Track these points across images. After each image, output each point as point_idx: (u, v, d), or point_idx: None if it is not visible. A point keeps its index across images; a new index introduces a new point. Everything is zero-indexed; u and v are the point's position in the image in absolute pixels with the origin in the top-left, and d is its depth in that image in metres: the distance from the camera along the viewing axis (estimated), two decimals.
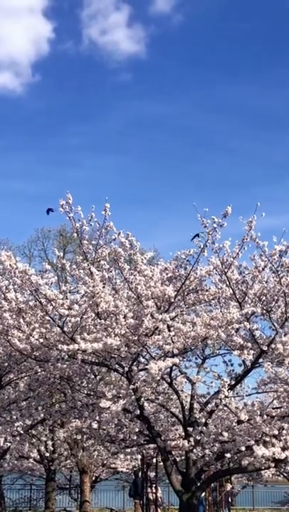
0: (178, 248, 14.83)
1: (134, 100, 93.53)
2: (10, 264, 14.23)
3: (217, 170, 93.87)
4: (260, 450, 13.30)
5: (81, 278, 14.31)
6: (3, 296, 14.71)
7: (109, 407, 13.38)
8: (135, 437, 16.36)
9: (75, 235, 14.88)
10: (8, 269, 14.55)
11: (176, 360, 13.67)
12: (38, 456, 22.16)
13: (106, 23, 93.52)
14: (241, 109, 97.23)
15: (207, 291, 15.26)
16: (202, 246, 13.90)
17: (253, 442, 13.72)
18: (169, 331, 13.87)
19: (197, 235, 13.92)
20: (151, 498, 21.33)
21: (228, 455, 14.40)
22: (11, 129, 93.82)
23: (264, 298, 14.36)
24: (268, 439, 13.87)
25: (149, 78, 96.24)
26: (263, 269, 14.24)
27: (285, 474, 28.25)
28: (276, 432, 13.95)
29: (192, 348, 14.76)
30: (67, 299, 14.31)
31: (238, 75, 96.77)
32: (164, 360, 13.48)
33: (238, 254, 14.22)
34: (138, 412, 15.00)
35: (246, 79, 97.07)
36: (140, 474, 22.68)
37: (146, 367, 13.63)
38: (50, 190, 79.18)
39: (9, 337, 14.55)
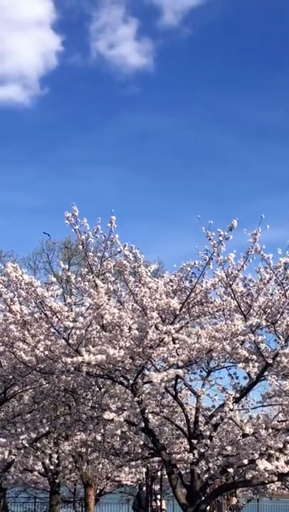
0: (182, 260, 14.86)
1: (138, 113, 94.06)
2: (16, 276, 14.27)
3: (219, 182, 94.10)
4: (262, 464, 13.25)
5: (86, 290, 14.33)
6: (8, 308, 14.74)
7: (112, 419, 13.37)
8: (140, 450, 16.32)
9: (81, 247, 14.93)
10: (13, 281, 14.60)
11: (179, 371, 13.64)
12: (43, 469, 22.09)
13: (114, 36, 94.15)
14: (243, 122, 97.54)
15: (212, 303, 15.27)
16: (208, 259, 13.92)
17: (256, 456, 13.67)
18: (174, 343, 13.87)
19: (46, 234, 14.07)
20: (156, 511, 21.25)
21: (230, 470, 14.36)
22: (17, 142, 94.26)
23: (269, 310, 14.34)
24: (272, 451, 13.82)
25: (156, 91, 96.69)
26: (268, 282, 14.22)
27: None
28: (281, 446, 13.90)
29: (197, 360, 14.73)
30: (72, 311, 14.33)
31: (241, 88, 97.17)
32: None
33: (242, 266, 14.22)
34: (143, 424, 14.97)
35: (248, 92, 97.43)
36: (144, 487, 22.59)
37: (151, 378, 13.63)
38: (54, 202, 79.32)
39: (14, 349, 14.57)
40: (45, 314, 14.05)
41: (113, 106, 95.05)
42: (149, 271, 14.50)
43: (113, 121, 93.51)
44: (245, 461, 13.83)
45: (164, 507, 25.95)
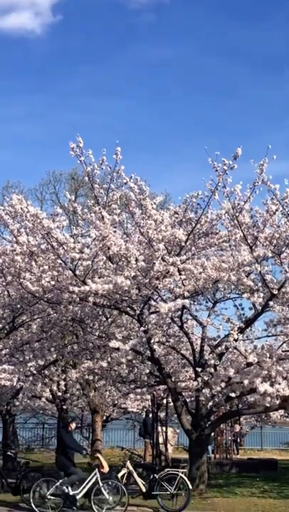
0: (190, 192, 14.80)
1: (150, 43, 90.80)
2: (21, 208, 14.28)
3: (228, 115, 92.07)
4: (262, 386, 13.53)
5: (92, 222, 14.36)
6: (15, 239, 14.81)
7: (118, 348, 13.60)
8: (146, 378, 16.66)
9: (86, 178, 14.87)
10: (19, 213, 14.63)
11: (186, 301, 13.79)
12: (51, 396, 22.57)
13: None
14: (254, 54, 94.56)
15: (217, 234, 15.28)
16: (213, 189, 13.87)
17: (259, 381, 13.89)
18: (180, 274, 13.97)
19: None
20: (162, 437, 21.78)
21: (232, 394, 14.65)
22: (27, 71, 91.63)
23: (275, 242, 14.33)
24: (278, 378, 14.07)
25: (170, 21, 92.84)
26: (275, 213, 14.18)
27: None
28: (285, 374, 14.15)
29: (203, 290, 14.86)
30: (78, 242, 14.39)
31: (256, 18, 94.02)
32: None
33: (249, 198, 14.16)
34: (149, 353, 15.22)
35: (257, 22, 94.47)
36: (150, 414, 23.12)
37: (158, 310, 13.80)
38: (62, 133, 78.26)
39: (21, 279, 14.71)
40: (52, 245, 14.12)
41: (126, 35, 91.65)
42: (155, 203, 14.48)
43: (124, 51, 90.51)
44: (248, 386, 14.09)
45: (171, 433, 26.69)
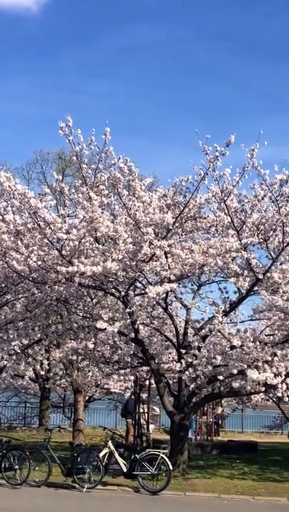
0: (178, 175, 14.77)
1: (146, 23, 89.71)
2: (9, 186, 14.18)
3: (217, 99, 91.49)
4: (254, 374, 13.63)
5: (80, 202, 14.30)
6: (1, 217, 14.72)
7: (105, 329, 13.61)
8: (129, 359, 16.70)
9: (75, 158, 14.76)
10: (6, 191, 14.51)
11: (173, 285, 13.82)
12: (34, 375, 22.60)
13: None
14: (244, 39, 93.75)
15: (205, 218, 15.29)
16: (203, 174, 13.84)
17: (245, 367, 14.02)
18: (166, 257, 13.97)
19: None
20: (143, 418, 21.89)
21: (220, 377, 14.76)
22: (21, 50, 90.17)
23: (262, 227, 14.39)
24: (260, 364, 14.18)
25: (165, 2, 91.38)
26: (263, 199, 14.22)
27: (274, 399, 28.95)
28: (269, 358, 14.25)
29: (189, 274, 14.88)
30: (65, 222, 14.34)
31: (245, 3, 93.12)
32: (161, 285, 13.66)
33: (238, 182, 14.15)
34: (133, 335, 15.26)
35: (251, 6, 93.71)
36: (134, 395, 23.22)
37: (144, 292, 13.82)
38: (50, 113, 77.60)
39: (7, 258, 14.65)
40: (39, 225, 14.06)
41: (119, 16, 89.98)
42: (144, 184, 14.44)
43: (117, 32, 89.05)
44: (235, 371, 14.21)
45: (157, 413, 26.91)
